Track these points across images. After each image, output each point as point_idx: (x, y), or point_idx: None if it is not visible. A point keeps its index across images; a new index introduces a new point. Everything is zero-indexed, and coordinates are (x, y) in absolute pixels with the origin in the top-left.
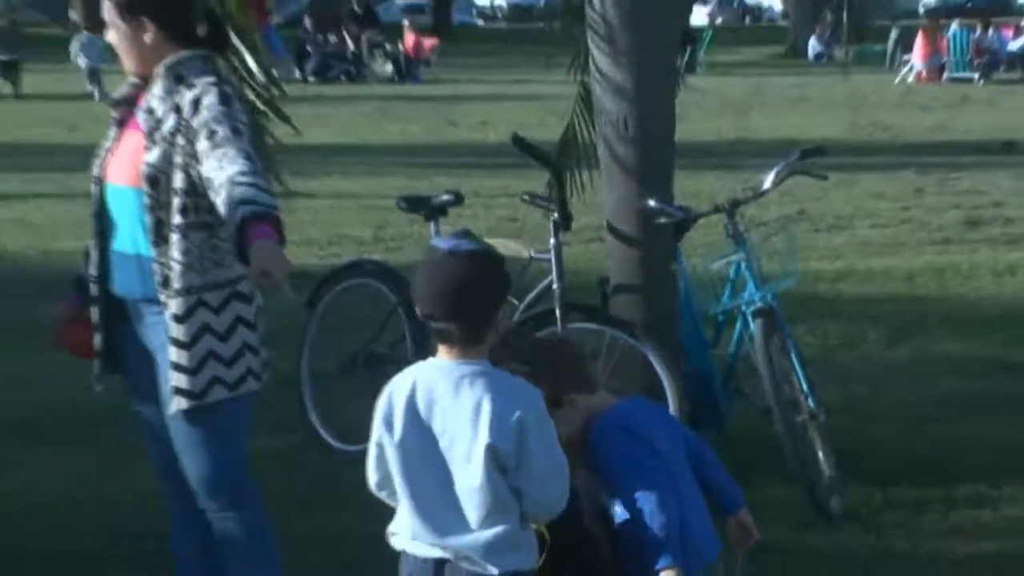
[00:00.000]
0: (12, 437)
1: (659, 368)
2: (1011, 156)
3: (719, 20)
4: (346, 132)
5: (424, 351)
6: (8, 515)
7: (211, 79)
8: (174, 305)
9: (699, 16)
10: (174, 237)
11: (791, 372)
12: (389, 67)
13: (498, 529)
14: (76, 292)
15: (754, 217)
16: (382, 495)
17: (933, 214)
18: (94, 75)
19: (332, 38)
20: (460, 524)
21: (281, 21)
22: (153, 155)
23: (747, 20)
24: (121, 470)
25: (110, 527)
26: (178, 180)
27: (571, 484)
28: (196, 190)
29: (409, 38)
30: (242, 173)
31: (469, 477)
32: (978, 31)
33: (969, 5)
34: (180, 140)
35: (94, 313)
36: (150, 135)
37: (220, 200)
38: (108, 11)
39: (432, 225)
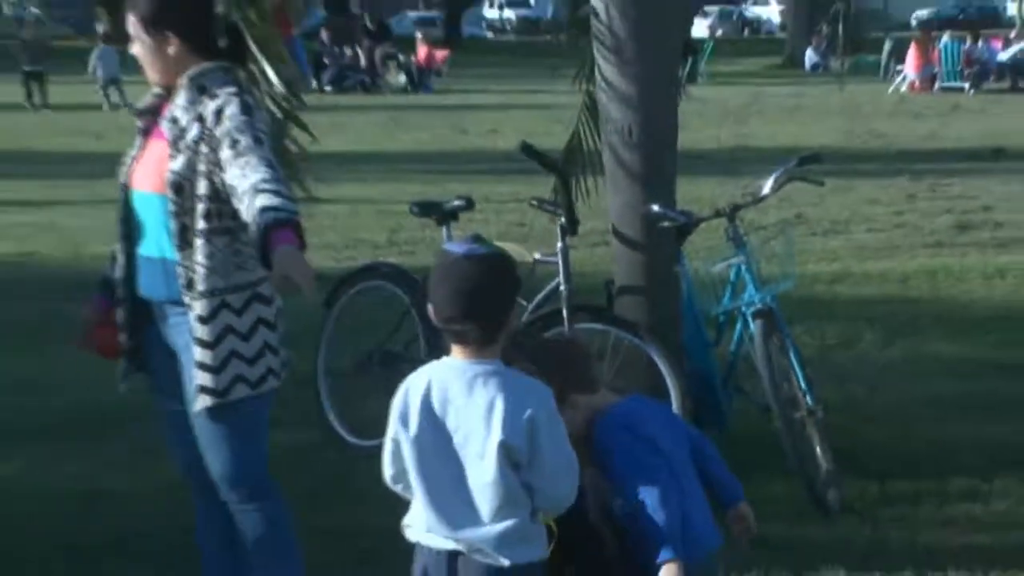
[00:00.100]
0: (40, 436)
1: (663, 367)
2: (1000, 163)
3: (719, 32)
4: (361, 140)
5: (436, 350)
6: (24, 510)
7: (232, 89)
8: (198, 307)
9: (700, 28)
10: (198, 242)
11: (790, 371)
12: (402, 78)
13: (509, 523)
14: (103, 295)
15: (753, 221)
16: (397, 488)
17: (926, 219)
18: (113, 85)
19: (348, 50)
20: (473, 517)
21: (299, 34)
22: (178, 163)
23: (746, 32)
24: (139, 466)
25: (124, 522)
26: (202, 187)
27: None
28: (219, 196)
29: (421, 50)
30: (264, 180)
31: (482, 472)
32: (968, 43)
33: (960, 17)
34: (203, 148)
35: (120, 314)
36: (174, 143)
37: (243, 207)
38: (133, 25)
39: (444, 229)
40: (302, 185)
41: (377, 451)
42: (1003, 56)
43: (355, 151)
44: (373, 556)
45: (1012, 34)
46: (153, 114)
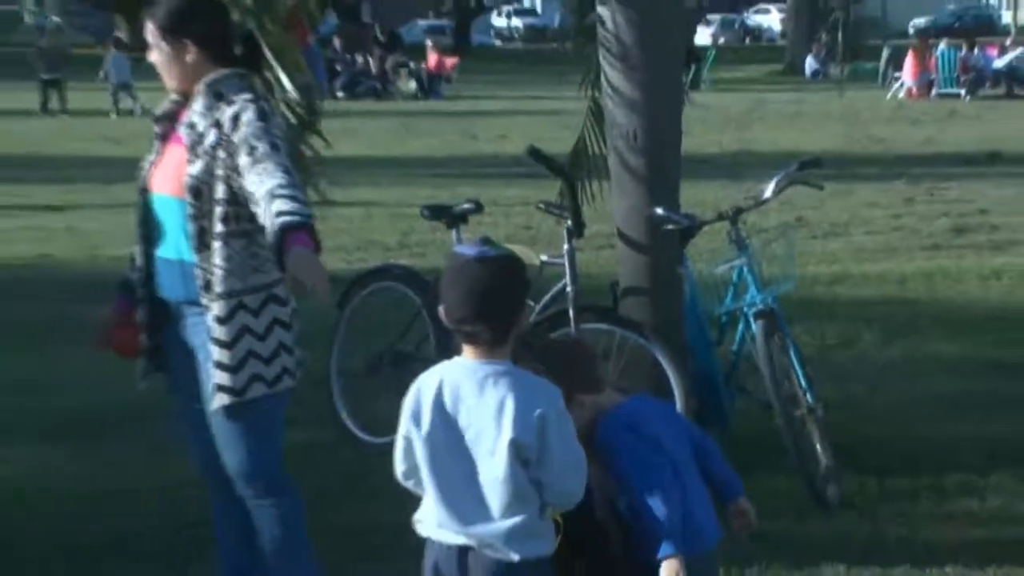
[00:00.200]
0: (67, 432)
1: (667, 366)
2: (996, 167)
3: (721, 40)
4: (373, 145)
5: (446, 350)
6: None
7: (248, 96)
8: (216, 308)
9: (703, 36)
10: (216, 244)
11: (790, 370)
12: (413, 84)
13: (519, 518)
14: (123, 296)
15: (755, 224)
16: (408, 485)
17: (923, 222)
18: (124, 91)
19: (359, 58)
20: (483, 513)
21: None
22: (195, 167)
23: (747, 40)
24: (143, 466)
25: (125, 522)
26: (220, 191)
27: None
28: (237, 200)
29: (432, 57)
30: (280, 186)
31: (493, 469)
32: (964, 50)
33: (956, 26)
34: (221, 154)
35: (140, 314)
36: (192, 148)
37: (261, 211)
38: (152, 33)
39: (454, 232)
40: (316, 189)
41: (389, 448)
42: (999, 63)
43: (367, 156)
44: (384, 551)
45: (1007, 42)
46: (170, 120)
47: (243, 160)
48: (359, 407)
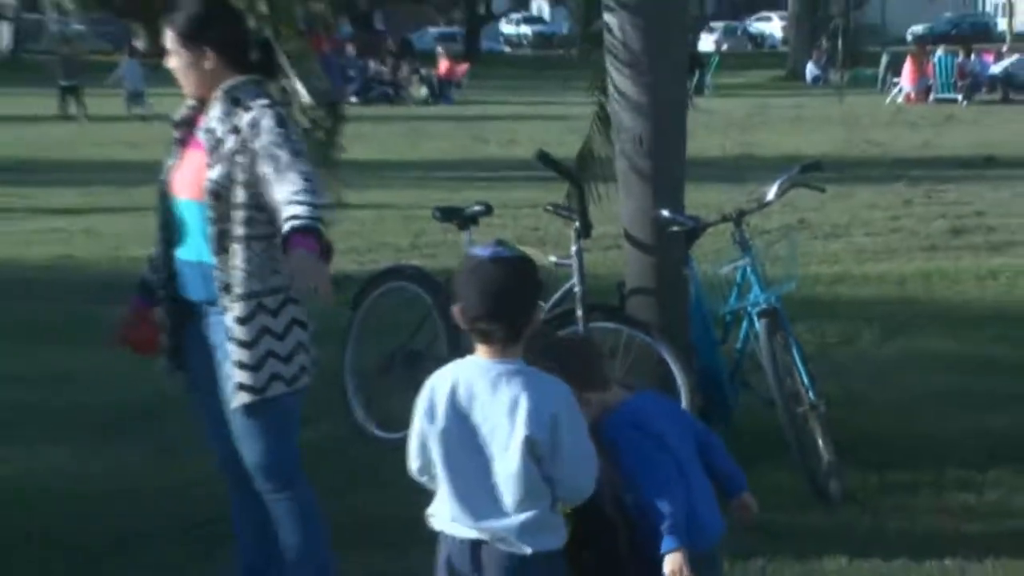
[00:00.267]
0: (94, 430)
1: (672, 364)
2: (992, 170)
3: (725, 47)
4: (386, 149)
5: (457, 348)
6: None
7: (265, 101)
8: (236, 308)
9: (707, 43)
10: (236, 247)
11: (793, 367)
12: (424, 90)
13: (530, 513)
14: (141, 295)
15: (758, 226)
16: (422, 480)
17: (921, 223)
18: (136, 97)
19: (372, 64)
20: (496, 508)
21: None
22: (215, 172)
23: (750, 47)
24: (173, 459)
25: (162, 512)
26: (240, 195)
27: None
28: (257, 204)
29: (443, 64)
30: (295, 192)
31: (506, 466)
32: (961, 56)
33: (953, 33)
34: (241, 159)
35: (160, 314)
36: (211, 153)
37: (279, 217)
38: (171, 40)
39: (465, 234)
40: (331, 192)
41: (402, 444)
42: (995, 69)
43: (380, 159)
44: (397, 543)
45: (1003, 48)
46: (188, 125)
47: (267, 170)
48: (372, 404)
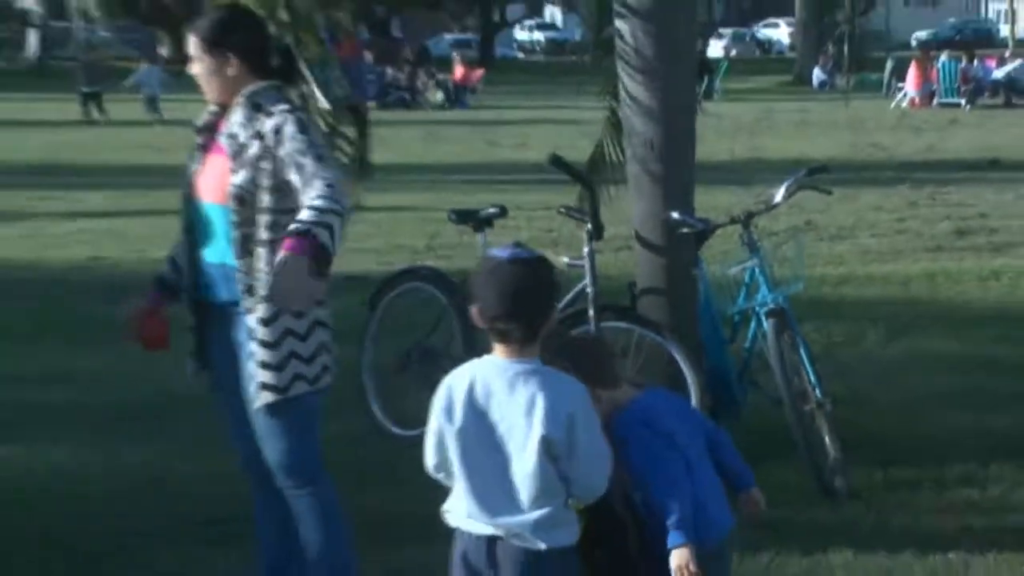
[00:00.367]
0: (114, 425)
1: (682, 363)
2: (995, 173)
3: (733, 52)
4: (403, 153)
5: (472, 347)
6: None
7: (286, 107)
8: (260, 310)
9: (715, 49)
10: (260, 250)
11: (800, 366)
12: (440, 95)
13: (545, 510)
14: (155, 291)
15: (766, 228)
16: (439, 476)
17: (926, 225)
18: (151, 103)
19: (389, 70)
20: (512, 505)
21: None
22: (239, 177)
23: (758, 52)
24: (196, 455)
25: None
26: (265, 200)
27: None
28: (281, 208)
29: (458, 69)
30: (311, 199)
31: (523, 464)
32: (964, 62)
33: (957, 38)
34: (266, 165)
35: (188, 316)
36: (235, 158)
37: None
38: (195, 46)
39: (480, 235)
40: (351, 193)
41: (418, 440)
42: (997, 74)
43: (397, 163)
44: (413, 539)
45: (1006, 54)
46: (210, 131)
47: (293, 178)
48: (390, 401)
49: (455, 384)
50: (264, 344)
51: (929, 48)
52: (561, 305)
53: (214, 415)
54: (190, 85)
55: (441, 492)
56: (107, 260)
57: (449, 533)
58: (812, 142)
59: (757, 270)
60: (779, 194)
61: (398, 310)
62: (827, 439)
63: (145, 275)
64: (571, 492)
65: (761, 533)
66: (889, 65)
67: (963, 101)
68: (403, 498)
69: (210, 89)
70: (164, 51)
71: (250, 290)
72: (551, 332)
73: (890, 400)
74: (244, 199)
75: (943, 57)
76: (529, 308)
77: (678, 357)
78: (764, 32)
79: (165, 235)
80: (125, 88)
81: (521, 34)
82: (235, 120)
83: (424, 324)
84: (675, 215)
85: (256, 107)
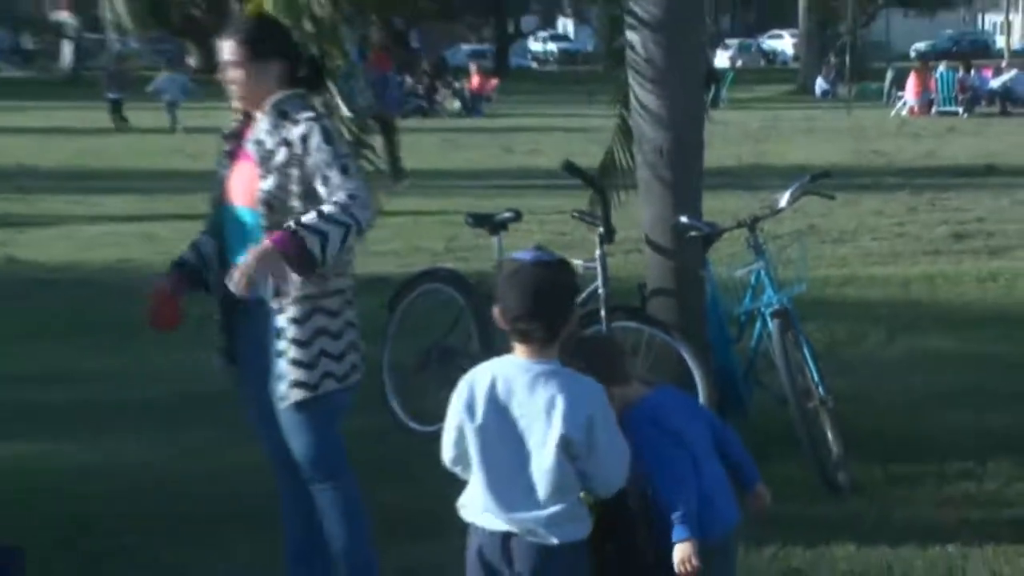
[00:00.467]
0: (144, 420)
1: (690, 362)
2: (992, 178)
3: (739, 63)
4: (421, 159)
5: (488, 346)
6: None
7: (311, 114)
8: (292, 310)
9: (722, 59)
10: None
11: (804, 365)
12: (457, 104)
13: (559, 506)
14: (175, 272)
15: (771, 231)
16: (456, 470)
17: (925, 229)
18: (171, 108)
19: (408, 79)
20: (527, 501)
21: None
22: (268, 183)
23: (763, 63)
24: (199, 455)
25: (223, 494)
26: (296, 204)
27: None
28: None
29: (474, 78)
30: (325, 205)
31: (541, 461)
32: (962, 72)
33: (954, 50)
34: (294, 172)
35: (217, 314)
36: (262, 164)
37: None
38: (237, 53)
39: (495, 239)
40: (374, 198)
41: (437, 436)
42: (993, 84)
43: (415, 168)
44: (430, 531)
45: (1002, 64)
46: (237, 138)
47: (320, 189)
48: (409, 398)
49: (477, 381)
50: (296, 342)
51: (928, 59)
52: None
53: (223, 415)
54: (212, 93)
55: (456, 486)
56: (136, 262)
57: (463, 526)
58: (815, 149)
59: (762, 272)
60: (784, 199)
61: (417, 310)
62: (830, 436)
63: None
64: (590, 488)
65: (766, 527)
66: (889, 75)
67: (961, 110)
68: (420, 491)
69: (246, 96)
70: (192, 61)
71: (278, 290)
72: (572, 334)
73: (891, 398)
74: (272, 204)
75: (941, 67)
76: (550, 309)
77: (686, 356)
78: (769, 43)
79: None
80: (147, 95)
81: (535, 45)
82: (261, 127)
83: (442, 324)
84: (684, 219)
85: (282, 114)
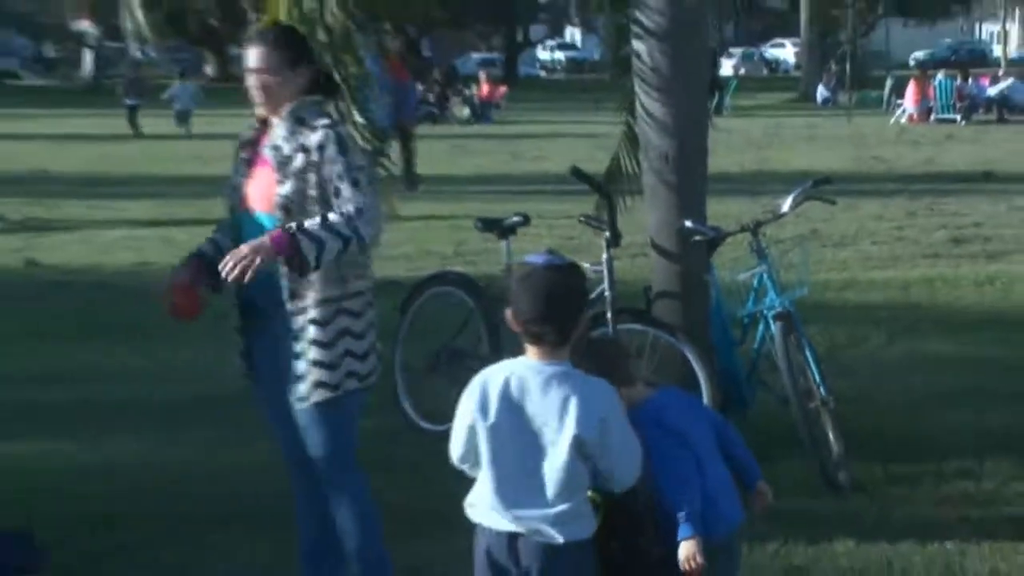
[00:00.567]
0: (146, 420)
1: (695, 363)
2: (989, 185)
3: (742, 71)
4: (431, 164)
5: (497, 348)
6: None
7: (327, 121)
8: (313, 312)
9: (726, 68)
10: None
11: (805, 366)
12: (466, 111)
13: (566, 505)
14: (194, 262)
15: (773, 236)
16: (464, 467)
17: (924, 233)
18: (183, 116)
19: (419, 86)
20: (535, 500)
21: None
22: (285, 188)
23: (766, 71)
24: (201, 454)
25: (223, 494)
26: (314, 209)
27: None
28: None
29: (484, 86)
30: (332, 215)
31: (553, 462)
32: (960, 80)
33: (952, 58)
34: (311, 177)
35: (235, 318)
36: (280, 170)
37: None
38: (266, 60)
39: (504, 243)
40: (386, 204)
41: (446, 435)
42: (991, 92)
43: (426, 174)
44: (437, 528)
45: (999, 73)
46: (253, 145)
47: (332, 201)
48: (420, 398)
49: (490, 381)
50: (318, 343)
51: (926, 67)
52: None
53: (227, 415)
54: (221, 101)
55: (464, 484)
56: (153, 265)
57: (471, 528)
58: (816, 155)
59: (765, 275)
60: (786, 204)
61: (428, 313)
62: (831, 435)
63: None
64: (605, 484)
65: (769, 524)
66: (889, 83)
67: (959, 117)
68: (428, 488)
69: (272, 102)
70: (209, 69)
71: (294, 293)
72: (582, 337)
73: (890, 398)
74: (290, 208)
75: (940, 76)
76: (562, 312)
77: (691, 357)
78: (771, 52)
79: None
80: (163, 99)
81: (543, 54)
82: (278, 133)
83: (452, 326)
84: (688, 224)
85: (299, 121)
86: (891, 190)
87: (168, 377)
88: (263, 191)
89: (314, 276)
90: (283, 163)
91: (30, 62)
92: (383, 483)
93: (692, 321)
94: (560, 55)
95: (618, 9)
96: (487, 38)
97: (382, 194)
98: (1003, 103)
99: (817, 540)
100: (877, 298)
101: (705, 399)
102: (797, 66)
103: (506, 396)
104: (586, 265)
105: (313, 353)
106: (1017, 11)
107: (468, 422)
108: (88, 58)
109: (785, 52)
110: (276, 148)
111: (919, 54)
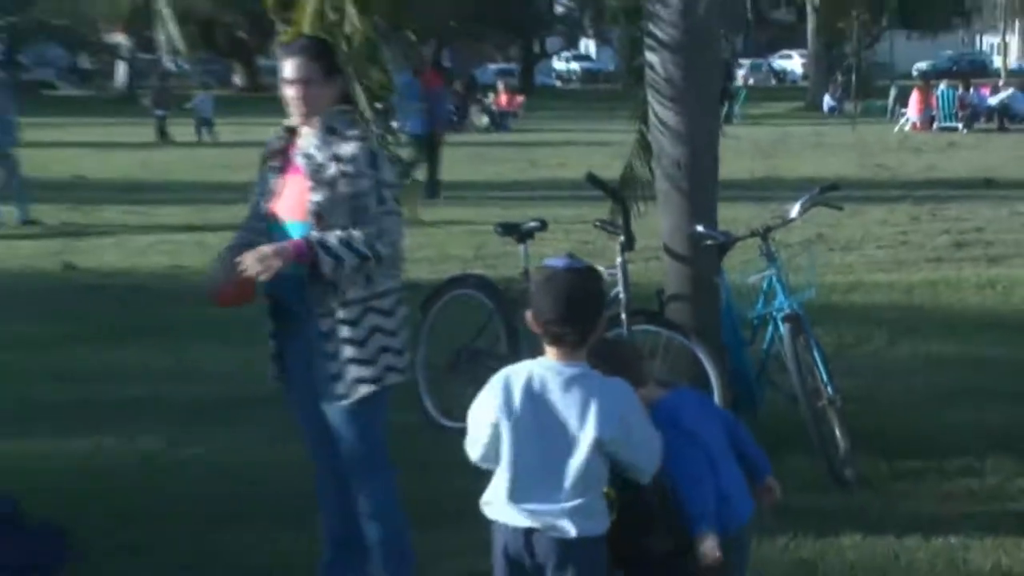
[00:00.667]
0: (197, 416)
1: (706, 363)
2: (990, 191)
3: (751, 81)
4: (451, 171)
5: (515, 348)
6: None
7: (357, 132)
8: (342, 312)
9: (735, 78)
10: None
11: (813, 366)
12: (485, 119)
13: (580, 500)
14: (232, 253)
15: (782, 240)
16: (481, 462)
17: (927, 238)
18: (205, 126)
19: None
20: (552, 496)
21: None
22: (318, 195)
23: (774, 81)
24: (276, 443)
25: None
26: (344, 218)
27: None
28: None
29: (502, 95)
30: (354, 231)
31: (573, 459)
32: (961, 90)
33: (954, 69)
34: (344, 188)
35: (268, 323)
36: (313, 177)
37: None
38: (306, 70)
39: (522, 247)
40: (409, 209)
41: (464, 431)
42: (992, 101)
43: (446, 180)
44: (455, 520)
45: (999, 83)
46: (283, 154)
47: (359, 216)
48: (441, 396)
49: (513, 379)
50: (350, 342)
51: (929, 77)
52: None
53: (241, 416)
54: (249, 110)
55: (482, 478)
56: (187, 269)
57: (487, 523)
58: (823, 162)
59: (774, 278)
60: (794, 210)
61: (448, 314)
62: (838, 433)
63: None
64: (629, 474)
65: (778, 519)
66: (893, 93)
67: (960, 125)
68: (448, 482)
69: (308, 111)
70: (238, 79)
71: (323, 296)
72: (600, 338)
73: (895, 398)
74: (321, 216)
75: (942, 85)
76: (581, 314)
77: (702, 358)
78: (779, 63)
79: None
80: (188, 107)
81: (559, 64)
82: (311, 142)
83: (472, 327)
84: (700, 228)
85: (331, 130)
86: (895, 196)
87: (188, 378)
88: (296, 198)
89: (346, 280)
90: (316, 171)
91: (66, 73)
92: (404, 478)
93: (704, 323)
94: (575, 66)
95: (632, 22)
96: (504, 49)
97: (406, 199)
98: (1004, 112)
99: (825, 534)
100: (882, 300)
101: (716, 398)
102: (804, 76)
103: (529, 393)
104: (601, 268)
105: (348, 352)
106: (1016, 24)
107: (491, 420)
108: (121, 69)
109: (792, 63)
110: (309, 156)
111: (921, 65)
